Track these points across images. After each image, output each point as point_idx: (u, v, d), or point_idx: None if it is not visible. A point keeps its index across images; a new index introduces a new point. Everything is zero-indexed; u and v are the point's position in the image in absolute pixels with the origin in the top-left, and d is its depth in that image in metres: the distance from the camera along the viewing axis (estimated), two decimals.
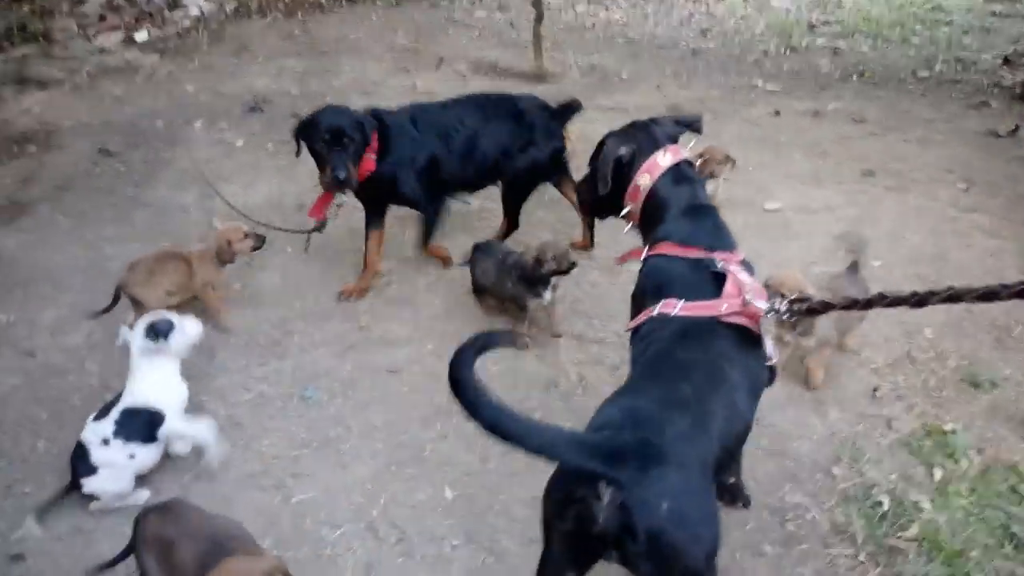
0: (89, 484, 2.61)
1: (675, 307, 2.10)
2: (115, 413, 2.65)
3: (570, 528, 1.68)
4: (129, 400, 2.67)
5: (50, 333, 3.49)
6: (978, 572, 2.43)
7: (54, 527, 2.59)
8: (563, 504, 1.69)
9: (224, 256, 3.44)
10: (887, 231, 4.34)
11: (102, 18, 7.44)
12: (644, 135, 2.51)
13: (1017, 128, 5.68)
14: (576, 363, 3.34)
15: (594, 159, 2.58)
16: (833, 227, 4.38)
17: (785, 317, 2.06)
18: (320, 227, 3.79)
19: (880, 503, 2.66)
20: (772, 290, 2.78)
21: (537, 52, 6.91)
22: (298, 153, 3.49)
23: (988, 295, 1.64)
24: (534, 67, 6.95)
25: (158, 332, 2.68)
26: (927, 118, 6.02)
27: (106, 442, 2.60)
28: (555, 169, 3.97)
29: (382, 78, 6.89)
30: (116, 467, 2.62)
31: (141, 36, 7.42)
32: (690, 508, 1.67)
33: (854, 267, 3.29)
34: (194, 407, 2.89)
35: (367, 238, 3.76)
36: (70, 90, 6.25)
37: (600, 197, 2.55)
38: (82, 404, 3.09)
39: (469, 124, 3.74)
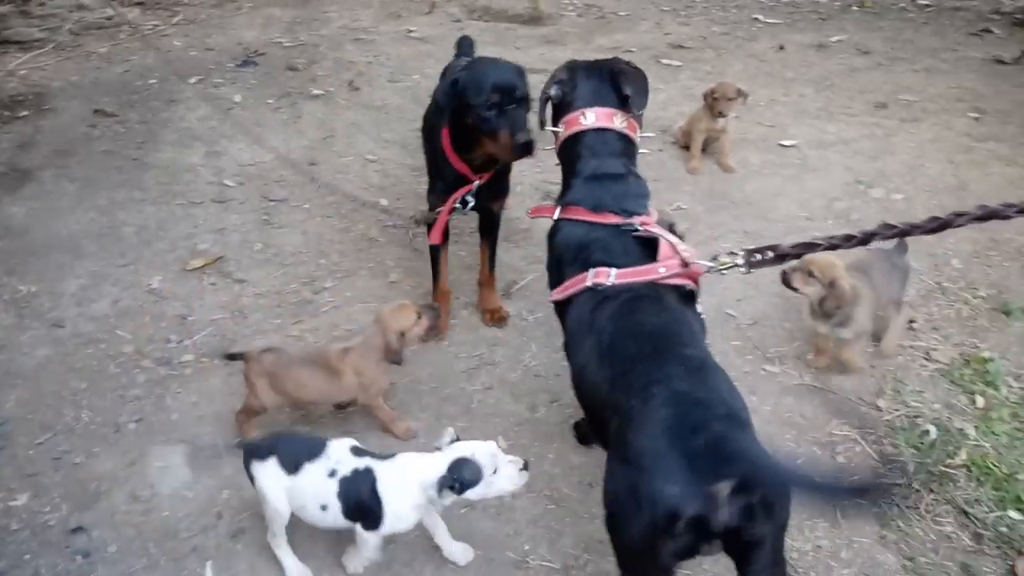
0: (260, 469, 2.22)
1: (609, 276, 2.05)
2: (364, 463, 2.22)
3: (683, 544, 1.58)
4: (383, 473, 2.20)
5: (75, 303, 3.40)
6: None
7: (114, 498, 2.58)
8: (668, 527, 1.56)
9: (392, 354, 2.60)
10: (904, 163, 4.35)
11: None
12: (584, 87, 2.44)
13: (1023, 55, 5.65)
14: None
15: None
16: (850, 161, 4.39)
17: (743, 270, 2.01)
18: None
19: (927, 432, 2.71)
20: (805, 270, 2.75)
21: None
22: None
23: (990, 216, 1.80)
24: (529, 8, 6.78)
25: (458, 484, 2.09)
26: (931, 47, 5.98)
27: (332, 474, 2.19)
28: None
29: (373, 24, 6.69)
30: (300, 492, 2.21)
31: None
32: (762, 450, 1.67)
33: (903, 246, 3.06)
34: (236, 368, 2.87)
35: (437, 261, 3.18)
36: (54, 50, 6.00)
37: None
38: (120, 372, 3.05)
39: None
